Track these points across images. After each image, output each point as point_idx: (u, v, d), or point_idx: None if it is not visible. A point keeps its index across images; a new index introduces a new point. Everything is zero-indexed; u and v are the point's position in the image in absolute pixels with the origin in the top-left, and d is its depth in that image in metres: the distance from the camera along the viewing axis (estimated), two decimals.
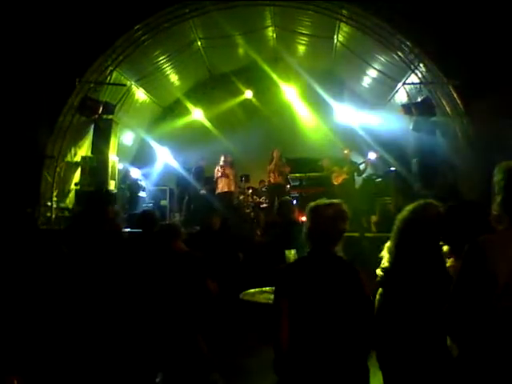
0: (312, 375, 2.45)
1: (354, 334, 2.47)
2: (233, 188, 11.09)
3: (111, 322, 3.28)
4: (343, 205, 2.67)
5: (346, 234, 2.75)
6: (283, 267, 2.70)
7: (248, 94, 12.92)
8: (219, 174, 10.92)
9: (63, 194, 9.75)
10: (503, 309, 2.00)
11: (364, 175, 10.76)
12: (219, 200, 10.66)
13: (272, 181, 10.82)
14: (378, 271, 2.94)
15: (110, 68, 9.68)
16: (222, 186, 10.92)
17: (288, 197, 6.44)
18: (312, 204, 2.70)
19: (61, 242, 3.43)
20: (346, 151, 10.52)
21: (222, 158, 11.01)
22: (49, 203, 9.20)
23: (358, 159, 10.75)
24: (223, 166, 10.94)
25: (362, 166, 10.35)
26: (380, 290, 2.90)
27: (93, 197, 8.89)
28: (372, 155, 10.65)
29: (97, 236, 3.49)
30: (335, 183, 10.25)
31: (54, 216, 9.25)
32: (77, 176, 10.08)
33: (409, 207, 2.81)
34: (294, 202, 10.69)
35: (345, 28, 10.08)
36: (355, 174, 10.41)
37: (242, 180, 11.93)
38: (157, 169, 12.56)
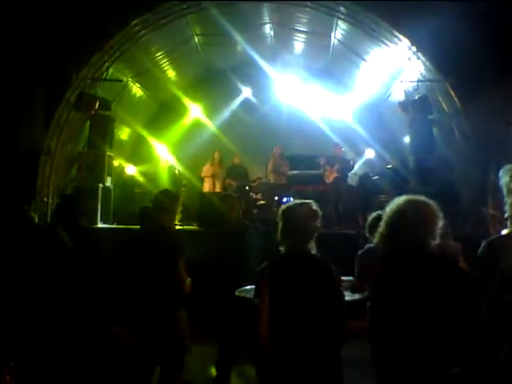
0: (288, 367, 2.62)
1: (325, 327, 2.61)
2: (218, 188, 11.06)
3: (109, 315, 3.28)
4: (313, 204, 2.81)
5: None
6: (263, 266, 2.82)
7: (247, 92, 12.90)
8: (208, 173, 10.93)
9: (60, 190, 9.73)
10: None
11: (354, 171, 10.75)
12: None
13: (271, 179, 10.83)
14: None
15: (107, 64, 9.65)
16: (210, 186, 10.91)
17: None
18: (284, 205, 2.88)
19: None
20: (340, 148, 10.50)
21: (214, 156, 11.03)
22: (45, 199, 9.18)
23: (348, 156, 10.75)
24: (213, 164, 10.94)
25: (351, 163, 10.36)
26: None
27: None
28: (369, 152, 10.67)
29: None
30: (327, 181, 10.29)
31: (50, 212, 9.23)
32: (73, 172, 10.07)
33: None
34: (291, 199, 10.80)
35: (342, 25, 10.07)
36: (347, 171, 10.41)
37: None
38: (153, 165, 12.52)
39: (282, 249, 2.79)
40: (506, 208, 2.25)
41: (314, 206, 2.81)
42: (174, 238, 3.96)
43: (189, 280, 3.99)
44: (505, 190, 2.24)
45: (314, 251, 2.78)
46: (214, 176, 10.95)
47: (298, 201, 2.87)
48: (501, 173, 2.28)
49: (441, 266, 2.54)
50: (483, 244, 2.20)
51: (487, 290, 2.13)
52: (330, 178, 10.19)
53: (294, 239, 2.73)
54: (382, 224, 2.67)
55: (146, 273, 3.79)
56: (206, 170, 11.00)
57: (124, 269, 4.01)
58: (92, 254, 4.24)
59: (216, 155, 11.08)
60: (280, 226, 2.79)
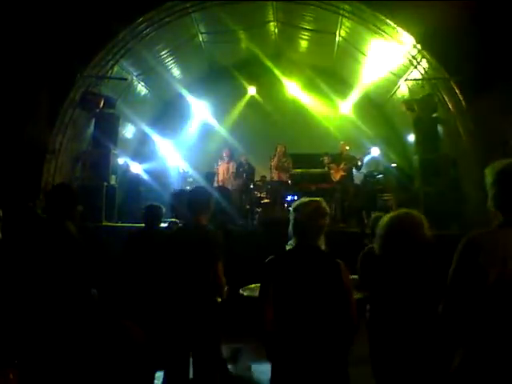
0: (295, 360, 2.66)
1: (332, 320, 2.66)
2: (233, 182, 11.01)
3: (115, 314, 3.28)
4: (322, 202, 2.91)
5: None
6: (270, 258, 2.88)
7: (251, 90, 12.90)
8: (219, 170, 10.89)
9: None
10: (493, 304, 2.05)
11: (362, 171, 10.72)
12: (218, 194, 10.62)
13: (275, 177, 10.79)
14: None
15: (112, 62, 9.66)
16: (222, 181, 10.88)
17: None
18: (295, 203, 2.99)
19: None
20: (345, 147, 10.44)
21: (223, 154, 10.99)
22: None
23: (359, 155, 10.70)
24: (222, 161, 10.90)
25: (359, 163, 10.29)
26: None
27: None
28: (374, 151, 10.62)
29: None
30: (334, 180, 10.23)
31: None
32: (78, 170, 10.08)
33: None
34: (296, 197, 10.78)
35: (347, 23, 10.04)
36: (353, 169, 10.36)
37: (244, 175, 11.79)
38: (159, 163, 12.52)
39: (291, 244, 2.87)
40: (487, 204, 2.29)
41: (323, 204, 2.88)
42: (213, 238, 3.84)
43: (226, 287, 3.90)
44: (487, 187, 2.28)
45: (323, 247, 2.85)
46: (224, 173, 10.91)
47: (307, 198, 2.96)
48: (486, 171, 2.31)
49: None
50: (462, 239, 2.22)
51: (464, 286, 2.15)
52: (337, 176, 10.12)
53: (301, 235, 2.82)
54: (378, 237, 2.76)
55: (182, 272, 3.74)
56: (217, 167, 10.99)
57: (161, 267, 3.98)
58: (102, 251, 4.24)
59: (226, 152, 11.04)
60: (291, 222, 2.89)
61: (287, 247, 2.92)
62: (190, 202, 4.00)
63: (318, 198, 2.94)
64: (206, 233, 3.85)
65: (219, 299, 3.88)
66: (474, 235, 2.21)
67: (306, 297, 2.67)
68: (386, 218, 2.80)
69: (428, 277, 2.59)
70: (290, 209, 3.00)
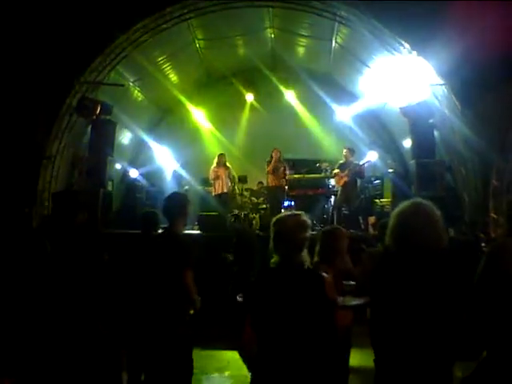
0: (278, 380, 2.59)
1: (316, 339, 2.59)
2: (225, 189, 10.97)
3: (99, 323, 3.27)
4: (303, 215, 2.82)
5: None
6: (252, 282, 2.84)
7: (249, 96, 12.92)
8: (213, 176, 10.84)
9: None
10: None
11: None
12: (217, 201, 10.62)
13: (270, 182, 10.77)
14: None
15: (109, 68, 9.67)
16: (218, 188, 10.86)
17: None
18: (274, 217, 2.88)
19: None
20: (349, 153, 10.39)
21: (216, 160, 10.93)
22: (46, 203, 9.18)
23: (358, 160, 10.70)
24: (217, 168, 10.86)
25: (359, 168, 10.24)
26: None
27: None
28: (372, 156, 10.61)
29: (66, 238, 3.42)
30: (337, 186, 10.18)
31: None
32: (74, 176, 10.05)
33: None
34: (293, 203, 10.81)
35: (343, 30, 10.08)
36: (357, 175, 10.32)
37: (239, 181, 11.78)
38: (155, 169, 12.52)
39: (273, 259, 2.80)
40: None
41: (304, 217, 2.81)
42: (182, 245, 3.71)
43: (198, 297, 3.78)
44: None
45: (306, 261, 2.77)
46: (218, 178, 10.87)
47: (288, 212, 2.92)
48: None
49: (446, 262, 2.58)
50: (487, 247, 2.27)
51: (490, 293, 2.18)
52: (341, 182, 10.05)
53: (283, 250, 2.74)
54: (393, 223, 2.61)
55: (148, 282, 3.70)
56: (212, 173, 10.94)
57: (129, 276, 3.96)
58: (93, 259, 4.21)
59: (219, 158, 11.01)
60: (271, 237, 2.81)
61: (271, 265, 2.85)
62: (164, 208, 3.92)
63: (298, 212, 2.87)
64: (174, 240, 3.75)
65: (192, 311, 3.74)
66: (498, 243, 2.27)
67: (290, 317, 2.60)
68: (398, 209, 2.69)
69: (441, 280, 2.54)
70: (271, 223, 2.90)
